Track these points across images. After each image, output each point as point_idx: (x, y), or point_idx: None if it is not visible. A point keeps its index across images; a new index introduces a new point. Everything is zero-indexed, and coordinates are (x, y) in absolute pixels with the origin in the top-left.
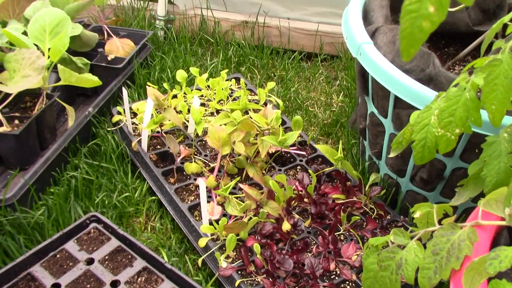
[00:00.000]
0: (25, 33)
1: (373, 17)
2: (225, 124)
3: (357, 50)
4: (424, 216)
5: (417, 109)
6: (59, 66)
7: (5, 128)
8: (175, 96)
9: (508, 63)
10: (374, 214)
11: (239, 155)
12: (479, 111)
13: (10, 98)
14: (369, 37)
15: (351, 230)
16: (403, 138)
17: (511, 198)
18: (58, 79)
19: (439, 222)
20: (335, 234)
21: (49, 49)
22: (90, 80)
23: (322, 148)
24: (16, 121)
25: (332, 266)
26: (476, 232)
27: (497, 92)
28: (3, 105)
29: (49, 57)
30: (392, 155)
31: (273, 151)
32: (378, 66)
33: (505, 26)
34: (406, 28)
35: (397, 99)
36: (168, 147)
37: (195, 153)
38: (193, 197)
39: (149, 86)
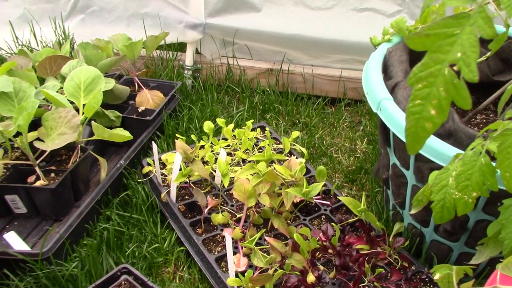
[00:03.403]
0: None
1: (392, 72)
2: (252, 175)
3: (378, 105)
4: (445, 276)
5: (438, 163)
6: (93, 123)
7: (42, 182)
8: (202, 147)
9: None
10: (399, 265)
11: (265, 205)
12: (495, 176)
13: (47, 152)
14: (389, 92)
15: (375, 282)
16: (423, 196)
17: None
18: (92, 133)
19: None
20: (360, 286)
21: (83, 105)
22: (122, 135)
23: (345, 200)
24: (52, 174)
25: None
26: None
27: (511, 160)
28: (40, 159)
29: (83, 113)
30: (413, 211)
31: (298, 201)
32: (398, 122)
33: None
34: (410, 128)
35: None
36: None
37: (222, 203)
38: (220, 248)
39: (177, 138)
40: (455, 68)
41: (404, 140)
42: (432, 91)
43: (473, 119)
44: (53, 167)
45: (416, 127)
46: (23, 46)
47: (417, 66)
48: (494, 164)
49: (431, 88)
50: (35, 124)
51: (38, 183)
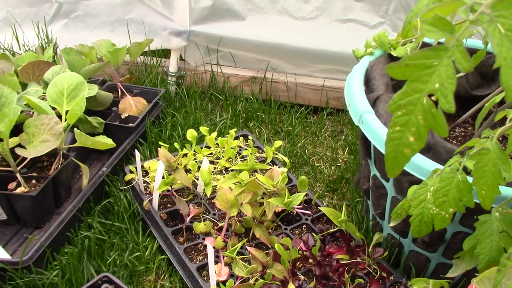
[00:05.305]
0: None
1: (374, 85)
2: (234, 184)
3: (359, 118)
4: None
5: (417, 177)
6: (75, 130)
7: (22, 189)
8: (185, 155)
9: (496, 152)
10: (378, 275)
11: (247, 215)
12: (471, 193)
13: (28, 158)
14: (371, 105)
15: None
16: (402, 210)
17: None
18: (74, 139)
19: None
20: None
21: (66, 111)
22: (105, 143)
23: (326, 211)
24: (34, 181)
25: None
26: None
27: (486, 178)
28: (21, 165)
29: (66, 119)
30: (392, 224)
31: (279, 210)
32: (378, 135)
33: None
34: (390, 153)
35: None
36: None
37: (204, 211)
38: (201, 257)
39: (160, 146)
40: (433, 98)
41: (384, 153)
42: (411, 119)
43: (451, 132)
44: (34, 174)
45: (395, 153)
46: (5, 50)
47: (397, 94)
48: (470, 180)
49: (410, 116)
50: (16, 129)
51: (19, 190)
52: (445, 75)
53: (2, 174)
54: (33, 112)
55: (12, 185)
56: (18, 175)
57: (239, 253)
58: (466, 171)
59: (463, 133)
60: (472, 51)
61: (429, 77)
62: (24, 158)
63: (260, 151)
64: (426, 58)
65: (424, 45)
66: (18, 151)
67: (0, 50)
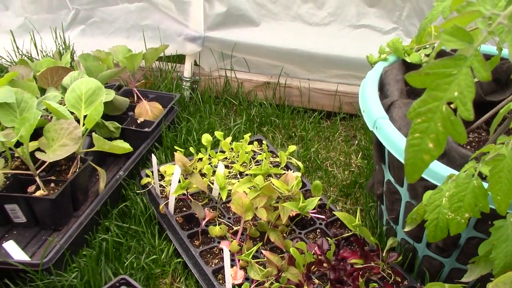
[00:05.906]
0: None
1: (388, 91)
2: (249, 188)
3: (373, 124)
4: None
5: (431, 182)
6: (94, 135)
7: (42, 192)
8: (200, 159)
9: (511, 158)
10: (392, 279)
11: (261, 219)
12: (487, 198)
13: (47, 162)
14: (385, 111)
15: None
16: (417, 215)
17: None
18: (91, 143)
19: None
20: None
21: (84, 116)
22: (122, 147)
23: (340, 215)
24: (52, 184)
25: None
26: None
27: (502, 184)
28: (40, 169)
29: (84, 124)
30: (407, 229)
31: (294, 215)
32: (393, 140)
33: None
34: (409, 159)
35: None
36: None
37: (219, 215)
38: (217, 260)
39: (176, 150)
40: (452, 106)
41: (399, 158)
42: (431, 125)
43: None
44: (53, 177)
45: (415, 159)
46: (24, 56)
47: (417, 101)
48: (485, 186)
49: (429, 123)
50: (34, 133)
51: (38, 193)
52: (464, 83)
53: (22, 177)
54: (51, 117)
55: (31, 188)
56: (37, 178)
57: (254, 257)
58: (481, 176)
59: (477, 139)
60: (485, 57)
61: (448, 86)
62: (43, 162)
63: (274, 155)
64: (445, 67)
65: (440, 52)
66: (38, 155)
67: (19, 56)
